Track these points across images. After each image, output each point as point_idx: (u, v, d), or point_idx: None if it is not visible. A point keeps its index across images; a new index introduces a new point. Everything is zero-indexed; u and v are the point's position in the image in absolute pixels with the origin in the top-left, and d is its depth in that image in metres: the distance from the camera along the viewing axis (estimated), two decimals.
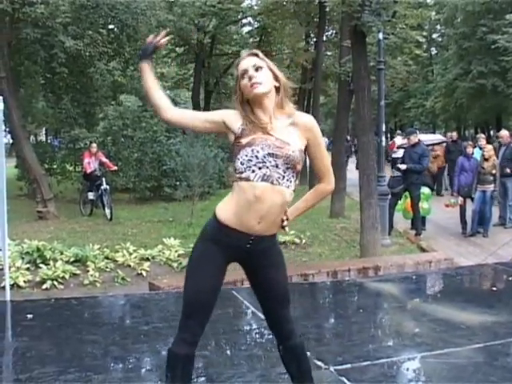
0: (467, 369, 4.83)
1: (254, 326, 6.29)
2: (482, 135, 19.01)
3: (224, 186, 21.38)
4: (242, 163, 3.40)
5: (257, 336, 5.94)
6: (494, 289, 8.37)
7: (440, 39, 41.96)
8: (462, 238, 13.42)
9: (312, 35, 27.67)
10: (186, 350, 3.54)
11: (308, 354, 5.15)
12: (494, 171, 13.74)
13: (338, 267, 9.03)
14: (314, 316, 6.74)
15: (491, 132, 34.30)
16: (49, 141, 39.74)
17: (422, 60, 32.54)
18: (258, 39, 31.68)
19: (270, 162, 3.38)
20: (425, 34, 22.91)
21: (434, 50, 43.04)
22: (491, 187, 13.69)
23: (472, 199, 13.70)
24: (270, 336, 5.83)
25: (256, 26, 32.16)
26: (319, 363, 5.02)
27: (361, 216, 10.65)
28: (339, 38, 17.70)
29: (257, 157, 3.37)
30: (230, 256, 3.56)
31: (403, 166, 13.18)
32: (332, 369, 4.90)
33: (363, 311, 6.80)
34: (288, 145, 3.42)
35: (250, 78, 3.47)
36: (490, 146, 14.32)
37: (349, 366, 4.97)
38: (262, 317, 6.32)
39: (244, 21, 32.59)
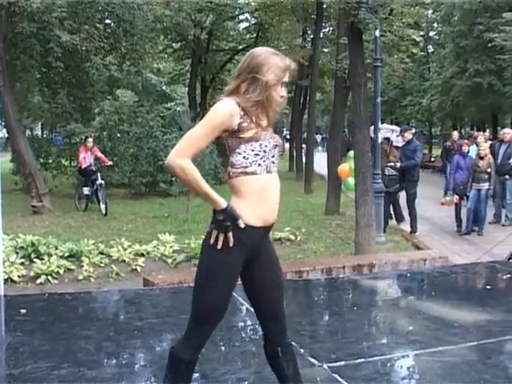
0: (461, 367, 4.83)
1: (248, 323, 6.29)
2: (481, 133, 19.04)
3: (220, 182, 21.35)
4: (245, 157, 3.38)
5: (251, 332, 5.93)
6: (489, 287, 8.37)
7: (437, 37, 41.93)
8: (457, 236, 13.43)
9: (309, 32, 27.71)
10: (190, 356, 3.52)
11: (302, 351, 5.21)
12: (489, 169, 13.75)
13: (332, 264, 9.02)
14: (307, 313, 6.74)
15: (487, 130, 34.30)
16: (45, 135, 39.70)
17: (418, 58, 32.51)
18: (254, 35, 31.71)
19: (272, 153, 3.44)
20: (422, 32, 22.91)
21: (430, 48, 43.02)
22: (486, 185, 13.70)
23: (467, 197, 13.72)
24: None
25: (253, 22, 32.21)
26: (313, 360, 5.02)
27: (356, 213, 10.64)
28: (336, 35, 17.70)
29: (265, 151, 3.40)
30: (246, 257, 3.47)
31: (398, 165, 13.21)
32: (325, 366, 4.89)
33: (357, 308, 6.80)
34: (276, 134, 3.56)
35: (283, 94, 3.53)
36: (485, 145, 14.34)
37: (342, 363, 4.97)
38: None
39: (241, 17, 32.66)
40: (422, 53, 35.40)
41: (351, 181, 13.60)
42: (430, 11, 36.36)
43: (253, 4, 29.65)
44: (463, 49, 31.31)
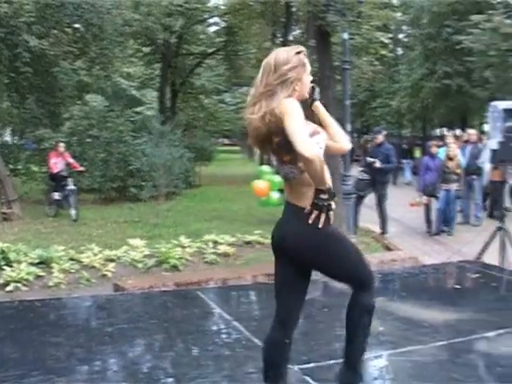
0: (430, 366, 4.89)
1: (220, 327, 6.30)
2: (451, 134, 19.21)
3: (190, 186, 21.36)
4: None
5: (223, 336, 5.95)
6: (458, 287, 8.48)
7: (406, 40, 42.17)
8: (427, 237, 13.52)
9: (278, 35, 27.73)
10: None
11: None
12: (458, 170, 13.89)
13: None
14: None
15: (456, 131, 34.56)
16: (15, 141, 39.32)
17: (387, 60, 32.68)
18: (224, 39, 31.70)
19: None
20: (390, 35, 23.03)
21: (399, 51, 43.25)
22: (455, 186, 13.85)
23: (436, 198, 13.83)
24: (236, 336, 5.86)
25: (223, 25, 32.16)
26: None
27: None
28: (305, 38, 17.74)
29: (321, 139, 3.81)
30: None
31: (378, 164, 13.17)
32: (296, 368, 4.92)
33: (328, 310, 6.84)
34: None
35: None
36: (454, 146, 14.47)
37: (313, 364, 5.00)
38: (228, 317, 6.40)
39: (210, 20, 32.59)
40: (391, 55, 35.59)
41: (274, 195, 13.49)
42: (399, 14, 36.64)
43: (222, 7, 29.70)
44: (432, 51, 31.49)
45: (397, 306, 6.85)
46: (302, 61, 3.79)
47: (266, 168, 14.06)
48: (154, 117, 19.58)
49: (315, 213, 3.62)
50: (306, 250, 3.77)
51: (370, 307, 4.01)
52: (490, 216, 15.24)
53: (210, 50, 32.66)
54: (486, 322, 6.26)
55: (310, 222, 3.63)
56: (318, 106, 4.12)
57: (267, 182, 13.14)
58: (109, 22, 17.72)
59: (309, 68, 3.86)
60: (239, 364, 5.11)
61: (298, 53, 3.79)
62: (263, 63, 3.83)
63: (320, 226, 3.64)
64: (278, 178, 13.52)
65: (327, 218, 3.66)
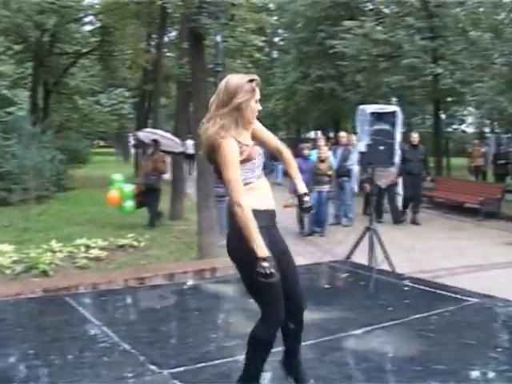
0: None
1: (89, 333, 6.18)
2: (322, 136, 19.60)
3: (63, 189, 20.84)
4: (246, 172, 4.12)
5: (91, 342, 5.82)
6: (328, 286, 8.66)
7: (281, 43, 42.79)
8: (300, 238, 13.75)
9: (154, 36, 27.53)
10: (276, 335, 4.27)
11: (142, 358, 5.18)
12: (329, 172, 14.22)
13: (174, 270, 9.03)
14: (149, 320, 6.72)
15: (330, 134, 35.32)
16: None
17: (263, 63, 33.04)
18: (99, 39, 31.11)
19: (259, 163, 4.24)
20: (264, 38, 23.27)
21: (275, 54, 43.84)
22: (327, 188, 14.18)
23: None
24: (106, 342, 5.76)
25: (98, 25, 31.56)
26: (153, 367, 5.02)
27: (198, 218, 10.69)
28: (180, 40, 17.71)
29: (253, 164, 4.19)
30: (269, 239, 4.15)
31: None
32: (166, 372, 4.91)
33: (199, 313, 6.84)
34: (255, 145, 4.29)
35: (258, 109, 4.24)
36: (325, 148, 14.81)
37: (182, 368, 4.98)
38: (97, 323, 6.29)
39: (85, 19, 31.88)
40: (266, 58, 36.02)
41: (128, 204, 13.55)
42: (275, 18, 37.17)
43: (97, 6, 29.14)
44: (306, 55, 32.08)
45: None
46: (252, 88, 4.15)
47: (117, 176, 13.98)
48: (23, 118, 18.94)
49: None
50: (234, 260, 4.27)
51: (257, 340, 4.29)
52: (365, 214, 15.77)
53: (85, 50, 31.94)
54: (353, 320, 6.42)
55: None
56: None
57: (118, 192, 13.16)
58: None
59: (258, 96, 4.21)
60: (111, 370, 5.03)
61: (251, 81, 4.17)
62: (220, 84, 4.24)
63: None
64: (128, 188, 13.52)
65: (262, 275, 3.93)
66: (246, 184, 4.10)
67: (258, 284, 3.98)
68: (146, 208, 14.20)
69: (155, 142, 14.66)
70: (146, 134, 16.06)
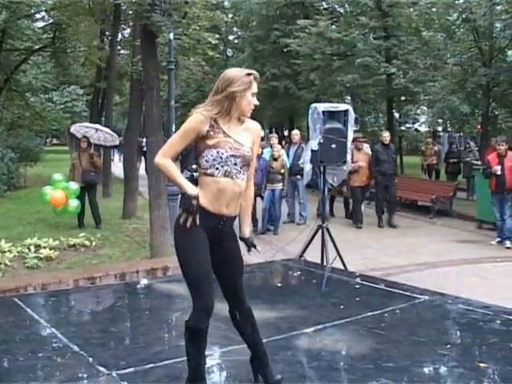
0: (247, 365, 4.90)
1: (37, 335, 6.07)
2: (275, 135, 19.66)
3: (14, 188, 20.52)
4: (206, 161, 4.13)
5: (39, 344, 5.72)
6: (280, 285, 8.65)
7: (236, 41, 42.81)
8: (253, 236, 13.70)
9: (108, 33, 27.29)
10: (206, 322, 4.20)
11: (91, 360, 5.10)
12: (282, 170, 14.26)
13: (126, 269, 8.96)
14: (99, 320, 6.63)
15: (285, 132, 35.43)
16: None
17: (218, 61, 33.01)
18: (52, 35, 30.71)
19: (231, 161, 4.15)
20: (218, 36, 23.18)
21: (229, 52, 43.83)
22: (280, 186, 14.21)
23: (262, 198, 14.08)
24: (53, 344, 5.66)
25: (50, 21, 31.14)
26: (102, 369, 4.93)
27: (150, 216, 10.63)
28: (133, 37, 17.58)
29: (221, 157, 4.12)
30: (209, 238, 4.20)
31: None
32: (114, 374, 4.82)
33: (149, 313, 6.77)
34: (243, 146, 4.22)
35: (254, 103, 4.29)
36: (279, 146, 14.85)
37: (132, 369, 4.91)
38: (45, 324, 6.18)
39: (37, 15, 31.41)
40: (221, 56, 35.98)
41: (73, 204, 13.27)
42: (230, 16, 37.15)
43: (49, 2, 28.73)
44: (260, 53, 32.16)
45: (222, 306, 6.87)
46: (249, 80, 4.24)
47: (57, 176, 13.74)
48: None
49: (184, 215, 4.13)
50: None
51: (187, 328, 4.27)
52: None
53: (37, 47, 31.50)
54: (305, 319, 6.41)
55: (181, 221, 4.13)
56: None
57: (63, 191, 12.93)
58: None
59: (255, 89, 4.31)
60: (59, 372, 4.95)
61: (249, 74, 4.26)
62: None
63: (187, 225, 4.09)
64: (73, 186, 13.27)
65: (185, 221, 4.10)
66: (206, 174, 4.14)
67: (186, 270, 4.18)
68: (89, 205, 13.93)
69: (85, 137, 14.47)
70: (77, 128, 15.89)
